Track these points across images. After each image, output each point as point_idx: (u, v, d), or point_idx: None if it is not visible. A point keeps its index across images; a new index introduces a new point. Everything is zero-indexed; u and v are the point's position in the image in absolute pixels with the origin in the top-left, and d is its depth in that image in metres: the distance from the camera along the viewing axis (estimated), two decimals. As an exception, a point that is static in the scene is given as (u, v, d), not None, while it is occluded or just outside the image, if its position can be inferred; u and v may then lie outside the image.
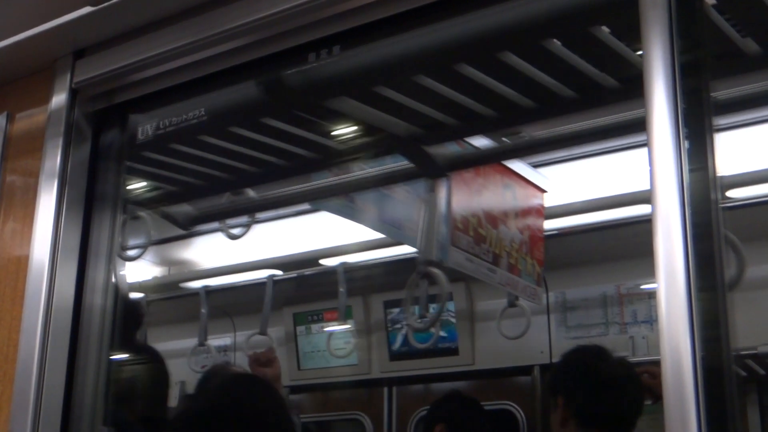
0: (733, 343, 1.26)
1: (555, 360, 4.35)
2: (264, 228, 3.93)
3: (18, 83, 2.24)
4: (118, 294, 2.12)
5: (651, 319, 4.23)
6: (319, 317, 5.26)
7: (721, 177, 1.32)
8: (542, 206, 3.24)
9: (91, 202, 2.10)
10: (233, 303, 5.09)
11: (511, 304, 3.29)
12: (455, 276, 2.90)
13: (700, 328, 1.20)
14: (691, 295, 1.21)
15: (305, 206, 3.53)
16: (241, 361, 5.31)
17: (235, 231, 2.98)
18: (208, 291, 4.63)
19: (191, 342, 4.51)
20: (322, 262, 4.43)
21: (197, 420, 2.33)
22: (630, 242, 2.96)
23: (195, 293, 4.69)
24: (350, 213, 2.75)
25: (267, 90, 2.01)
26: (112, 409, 2.09)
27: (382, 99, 2.10)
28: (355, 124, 2.23)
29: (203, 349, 4.49)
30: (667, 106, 1.30)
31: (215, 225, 3.11)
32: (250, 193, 2.81)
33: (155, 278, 5.01)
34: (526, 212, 3.14)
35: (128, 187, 2.28)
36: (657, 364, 1.22)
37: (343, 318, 4.21)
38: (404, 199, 2.85)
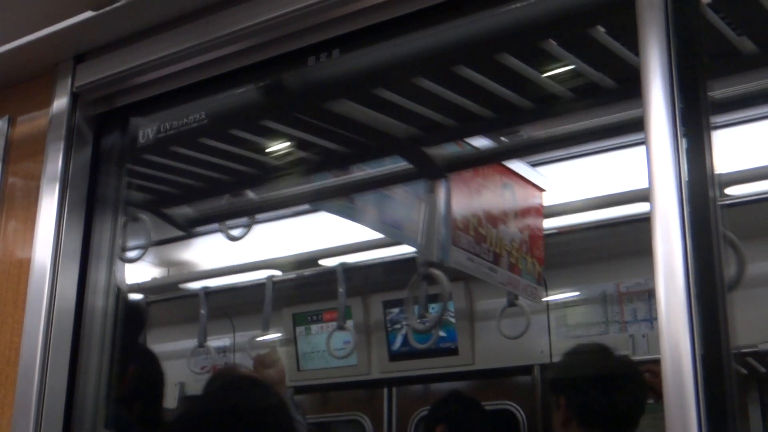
0: (734, 340, 1.26)
1: (555, 359, 4.36)
2: (263, 229, 3.93)
3: (19, 87, 2.25)
4: (120, 296, 2.13)
5: (651, 318, 4.24)
6: (319, 318, 5.26)
7: (720, 174, 1.33)
8: (541, 205, 3.25)
9: (92, 205, 2.11)
10: (232, 304, 5.10)
11: (511, 303, 3.29)
12: (454, 276, 2.91)
13: (699, 326, 1.20)
14: (691, 293, 1.21)
15: (304, 207, 3.53)
16: (241, 363, 5.33)
17: (235, 232, 2.98)
18: (208, 292, 4.64)
19: (191, 343, 4.51)
20: (321, 262, 4.44)
21: (199, 421, 2.34)
22: (629, 240, 2.96)
23: (194, 294, 4.69)
24: (350, 214, 2.76)
25: (267, 93, 2.02)
26: (113, 412, 2.10)
27: (381, 101, 2.11)
28: (354, 126, 2.24)
29: (203, 350, 4.49)
30: (665, 105, 1.31)
31: (215, 226, 3.11)
32: (250, 194, 2.82)
33: (155, 279, 5.02)
34: (526, 211, 3.14)
35: (129, 190, 2.29)
36: (658, 362, 1.23)
37: (343, 318, 4.21)
38: (404, 200, 2.86)
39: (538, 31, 1.82)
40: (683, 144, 1.29)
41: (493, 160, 2.89)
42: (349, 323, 4.83)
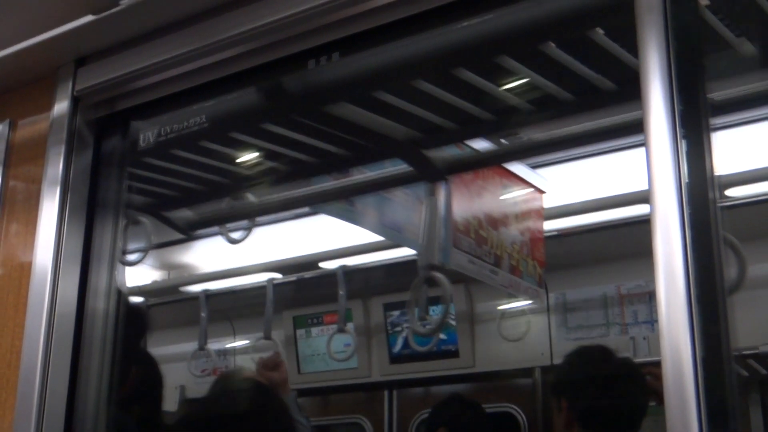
0: (734, 342, 1.26)
1: (556, 362, 4.35)
2: (264, 231, 3.93)
3: (20, 91, 2.25)
4: (120, 299, 2.13)
5: (652, 320, 4.24)
6: (319, 320, 5.27)
7: (719, 176, 1.33)
8: (542, 207, 3.25)
9: (93, 208, 2.11)
10: (233, 306, 5.10)
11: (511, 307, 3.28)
12: (455, 278, 2.91)
13: (700, 328, 1.20)
14: (691, 295, 1.21)
15: (305, 209, 3.54)
16: (241, 365, 5.33)
17: (235, 235, 2.98)
18: (208, 295, 4.64)
19: (191, 346, 4.51)
20: (321, 265, 4.44)
21: (201, 424, 2.34)
22: (630, 242, 2.96)
23: (195, 297, 4.69)
24: (350, 216, 2.76)
25: (267, 96, 2.02)
26: (114, 415, 2.10)
27: (381, 104, 2.11)
28: (354, 129, 2.24)
29: (203, 353, 4.49)
30: (664, 106, 1.31)
31: (215, 229, 3.11)
32: (250, 197, 2.82)
33: (155, 282, 5.02)
34: (526, 213, 3.14)
35: (129, 193, 2.29)
36: (659, 364, 1.23)
37: (343, 321, 4.21)
38: (404, 202, 2.86)
39: (538, 34, 1.82)
40: (683, 146, 1.29)
41: (493, 162, 2.90)
42: (350, 326, 4.82)
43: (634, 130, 2.20)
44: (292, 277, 4.67)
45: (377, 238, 3.08)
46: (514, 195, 3.08)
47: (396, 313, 4.98)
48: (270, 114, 2.13)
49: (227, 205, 2.81)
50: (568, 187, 3.43)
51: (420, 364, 4.92)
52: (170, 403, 4.98)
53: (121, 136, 2.16)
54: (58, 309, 2.00)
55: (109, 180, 2.14)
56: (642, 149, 1.32)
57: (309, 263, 4.49)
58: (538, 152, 2.93)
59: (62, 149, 2.08)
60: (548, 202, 3.29)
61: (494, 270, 2.86)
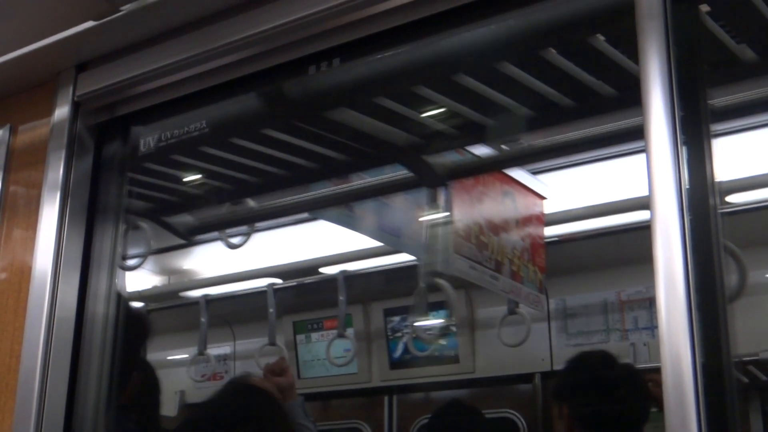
0: (735, 349, 1.26)
1: (556, 367, 4.35)
2: (264, 237, 3.93)
3: (21, 96, 2.26)
4: (120, 304, 2.13)
5: (652, 326, 4.23)
6: (319, 326, 5.26)
7: (720, 182, 1.33)
8: (542, 213, 3.25)
9: (93, 214, 2.11)
10: (233, 312, 5.09)
11: (512, 311, 3.29)
12: (455, 283, 2.91)
13: (700, 334, 1.20)
14: (691, 301, 1.21)
15: (305, 215, 3.54)
16: (241, 371, 5.32)
17: (235, 240, 2.99)
18: (208, 300, 4.63)
19: (191, 351, 4.50)
20: (321, 270, 4.44)
21: (198, 428, 2.34)
22: (631, 248, 2.96)
23: (195, 302, 4.69)
24: (349, 222, 2.76)
25: (268, 102, 2.03)
26: (113, 420, 2.09)
27: (381, 109, 2.11)
28: (355, 134, 2.25)
29: (203, 358, 4.48)
30: (665, 112, 1.31)
31: (215, 234, 3.11)
32: (250, 202, 2.82)
33: (155, 287, 5.02)
34: (527, 219, 3.14)
35: (129, 198, 2.29)
36: (659, 371, 1.23)
37: (343, 326, 4.21)
38: (402, 207, 2.87)
39: (539, 40, 1.82)
40: (683, 152, 1.29)
41: (493, 167, 2.90)
42: (349, 331, 4.82)
43: (635, 136, 2.21)
44: (293, 283, 4.67)
45: (378, 243, 3.07)
46: (515, 201, 3.08)
47: (396, 318, 4.97)
48: (270, 119, 2.13)
49: (227, 211, 2.81)
50: (568, 193, 3.43)
51: (420, 369, 4.91)
52: (170, 408, 4.98)
53: (121, 141, 2.16)
54: (57, 313, 2.00)
55: (109, 185, 2.14)
56: (643, 155, 1.32)
57: (309, 268, 4.49)
58: (538, 158, 2.93)
59: (63, 154, 2.08)
60: (549, 207, 3.29)
61: (495, 276, 2.86)
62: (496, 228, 2.91)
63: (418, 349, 4.59)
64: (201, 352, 4.39)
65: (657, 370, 1.23)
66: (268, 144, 2.26)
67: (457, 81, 1.98)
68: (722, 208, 1.31)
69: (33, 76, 2.18)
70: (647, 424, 2.62)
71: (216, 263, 4.70)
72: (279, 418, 2.49)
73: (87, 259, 2.08)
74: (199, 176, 2.44)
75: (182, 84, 1.99)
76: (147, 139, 2.11)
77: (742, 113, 2.23)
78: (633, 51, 1.39)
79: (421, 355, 4.62)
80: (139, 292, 4.54)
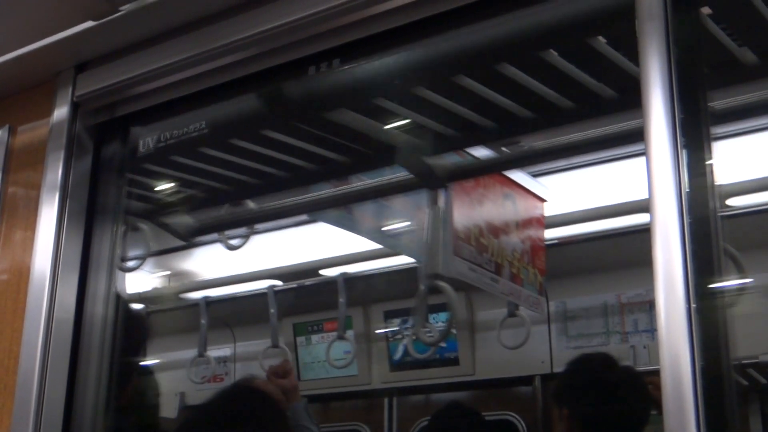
0: (734, 352, 1.26)
1: (556, 370, 4.34)
2: (264, 238, 3.93)
3: (20, 96, 2.26)
4: (119, 306, 2.13)
5: (652, 329, 4.22)
6: (319, 328, 5.26)
7: (720, 186, 1.32)
8: (543, 215, 3.24)
9: (92, 214, 2.11)
10: (233, 313, 5.09)
11: (511, 313, 3.28)
12: (455, 286, 2.90)
13: (699, 337, 1.20)
14: (690, 304, 1.21)
15: (305, 216, 3.53)
16: (241, 373, 5.32)
17: (234, 242, 2.98)
18: (208, 302, 4.63)
19: (191, 353, 4.50)
20: (322, 272, 4.43)
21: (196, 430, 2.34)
22: (631, 251, 2.96)
23: (195, 304, 4.68)
24: (348, 224, 2.75)
25: (267, 103, 2.02)
26: (112, 422, 2.09)
27: (381, 110, 2.11)
28: (354, 136, 2.24)
29: (203, 360, 4.48)
30: (665, 115, 1.30)
31: (215, 236, 3.11)
32: (250, 204, 2.82)
33: (155, 289, 5.01)
34: (527, 222, 3.14)
35: (129, 199, 2.29)
36: (659, 373, 1.22)
37: (343, 328, 4.20)
38: (402, 209, 2.86)
39: (540, 41, 1.82)
40: (683, 155, 1.29)
41: (494, 170, 2.89)
42: (349, 333, 4.82)
43: (636, 138, 2.20)
44: (293, 285, 4.67)
45: (379, 245, 3.07)
46: (515, 203, 3.08)
47: (397, 320, 4.97)
48: (270, 120, 2.13)
49: (226, 212, 2.81)
50: (569, 195, 3.42)
51: (420, 371, 4.91)
52: (170, 410, 4.97)
53: (120, 141, 2.15)
54: (56, 314, 2.00)
55: (108, 186, 2.13)
56: (643, 158, 1.31)
57: (309, 270, 4.49)
58: (538, 160, 2.93)
59: (62, 155, 2.08)
60: (549, 210, 3.28)
61: (495, 278, 2.85)
62: (496, 230, 2.91)
63: (419, 352, 4.58)
64: (201, 354, 4.38)
65: (657, 373, 1.23)
66: (267, 145, 2.26)
67: (458, 82, 1.97)
68: (722, 211, 1.31)
69: (32, 77, 2.18)
70: (647, 426, 2.62)
71: (216, 265, 4.69)
72: (277, 421, 2.49)
73: (86, 260, 2.09)
74: (198, 177, 2.43)
75: (182, 84, 1.99)
76: (146, 139, 2.10)
77: (742, 116, 2.22)
78: (634, 53, 1.38)
79: (422, 357, 4.61)
80: (139, 293, 4.53)
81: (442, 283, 2.51)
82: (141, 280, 4.74)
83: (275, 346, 4.07)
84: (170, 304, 5.01)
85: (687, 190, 1.27)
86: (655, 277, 1.24)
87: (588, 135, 2.46)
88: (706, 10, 1.66)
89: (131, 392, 2.42)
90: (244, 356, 5.45)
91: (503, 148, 2.75)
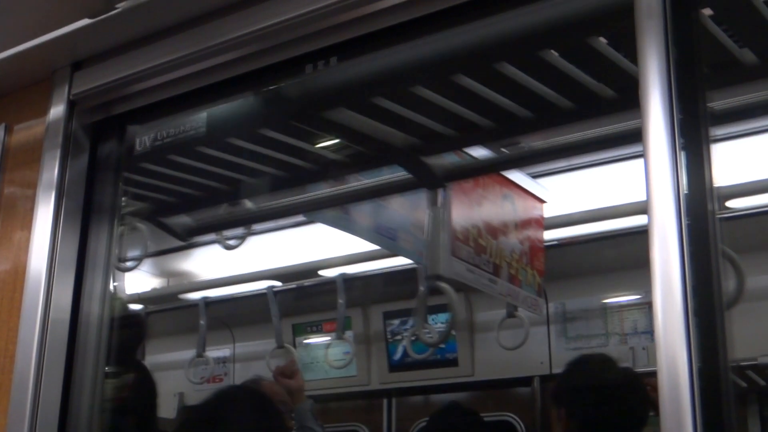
0: (732, 354, 1.25)
1: (555, 371, 4.34)
2: (264, 239, 3.93)
3: (16, 95, 2.25)
4: (116, 306, 2.12)
5: (651, 330, 4.20)
6: (318, 328, 5.25)
7: (719, 187, 1.32)
8: (542, 217, 3.24)
9: (88, 213, 2.10)
10: (232, 314, 5.09)
11: (510, 314, 3.28)
12: (455, 287, 2.90)
13: (697, 339, 1.19)
14: (688, 306, 1.20)
15: (304, 217, 3.53)
16: (240, 373, 5.32)
17: (231, 242, 2.98)
18: (207, 302, 4.63)
19: (190, 353, 4.50)
20: (321, 273, 4.43)
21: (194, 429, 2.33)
22: (631, 252, 2.95)
23: (194, 304, 4.68)
24: (345, 224, 2.75)
25: (264, 101, 2.01)
26: (108, 421, 2.08)
27: (380, 110, 2.10)
28: (352, 135, 2.23)
29: (202, 360, 4.48)
30: (664, 116, 1.30)
31: (213, 236, 3.11)
32: (248, 204, 2.81)
33: (154, 290, 5.01)
34: (526, 223, 3.13)
35: (125, 198, 2.28)
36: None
37: (342, 329, 4.20)
38: (399, 210, 2.85)
39: (539, 41, 1.81)
40: (682, 156, 1.28)
41: (493, 170, 2.89)
42: (348, 334, 4.81)
43: (635, 139, 2.19)
44: (292, 285, 4.66)
45: (377, 246, 3.06)
46: (514, 204, 3.07)
47: (396, 321, 4.96)
48: (267, 119, 2.12)
49: (224, 212, 2.80)
50: (568, 196, 3.41)
51: (419, 372, 4.90)
52: (168, 410, 4.97)
53: (117, 140, 2.15)
54: (52, 314, 1.99)
55: (104, 184, 2.12)
56: (642, 159, 1.30)
57: (308, 271, 4.48)
58: (537, 161, 2.92)
59: (58, 153, 2.07)
60: (549, 211, 3.28)
61: (493, 279, 2.85)
62: (495, 231, 2.90)
63: (418, 352, 4.58)
64: (200, 355, 4.38)
65: (656, 374, 1.22)
66: (264, 144, 2.25)
67: (457, 81, 1.96)
68: (720, 213, 1.30)
69: (28, 75, 2.17)
70: (646, 428, 2.61)
71: (215, 266, 4.69)
72: (275, 423, 2.48)
73: (82, 259, 2.08)
74: (195, 176, 2.43)
75: (178, 83, 1.98)
76: (143, 138, 2.10)
77: (742, 117, 2.21)
78: (634, 53, 1.37)
79: (421, 358, 4.61)
80: (138, 294, 4.53)
81: (443, 284, 2.50)
82: (141, 281, 4.74)
83: (280, 346, 4.07)
84: (169, 305, 5.01)
85: (685, 191, 1.26)
86: (652, 278, 1.23)
87: (587, 135, 2.45)
88: (706, 11, 1.65)
89: (128, 392, 2.42)
90: (243, 357, 5.45)
91: (502, 149, 2.74)
